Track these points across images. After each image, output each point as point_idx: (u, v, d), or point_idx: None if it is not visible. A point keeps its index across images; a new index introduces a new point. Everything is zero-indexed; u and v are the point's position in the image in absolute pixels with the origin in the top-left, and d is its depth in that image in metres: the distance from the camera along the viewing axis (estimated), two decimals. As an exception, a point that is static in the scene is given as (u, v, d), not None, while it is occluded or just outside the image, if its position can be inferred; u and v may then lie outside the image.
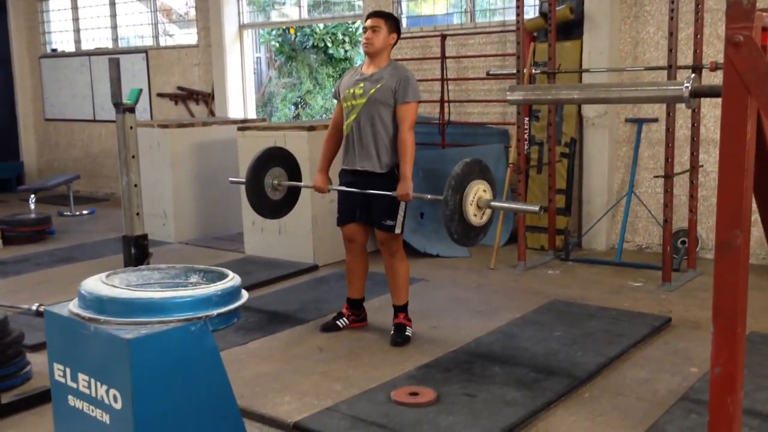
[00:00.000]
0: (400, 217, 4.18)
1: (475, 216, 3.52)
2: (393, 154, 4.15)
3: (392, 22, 4.24)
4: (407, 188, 4.04)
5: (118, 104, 4.11)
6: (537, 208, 3.60)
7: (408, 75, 4.15)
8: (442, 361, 3.93)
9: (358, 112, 4.16)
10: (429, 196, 4.04)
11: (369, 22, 4.21)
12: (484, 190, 3.56)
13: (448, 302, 5.01)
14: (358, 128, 4.17)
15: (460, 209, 3.47)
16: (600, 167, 6.32)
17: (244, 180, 4.40)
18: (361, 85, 4.17)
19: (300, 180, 4.57)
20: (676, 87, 1.95)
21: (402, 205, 4.16)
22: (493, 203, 3.58)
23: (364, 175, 4.19)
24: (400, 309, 4.31)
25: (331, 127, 4.43)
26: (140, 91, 4.33)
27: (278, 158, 4.47)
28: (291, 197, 4.56)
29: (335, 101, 4.42)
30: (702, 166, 5.66)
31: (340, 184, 4.37)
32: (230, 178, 4.89)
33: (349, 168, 4.26)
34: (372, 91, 4.12)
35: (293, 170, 4.52)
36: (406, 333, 4.25)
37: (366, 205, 4.25)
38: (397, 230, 4.19)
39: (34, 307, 4.67)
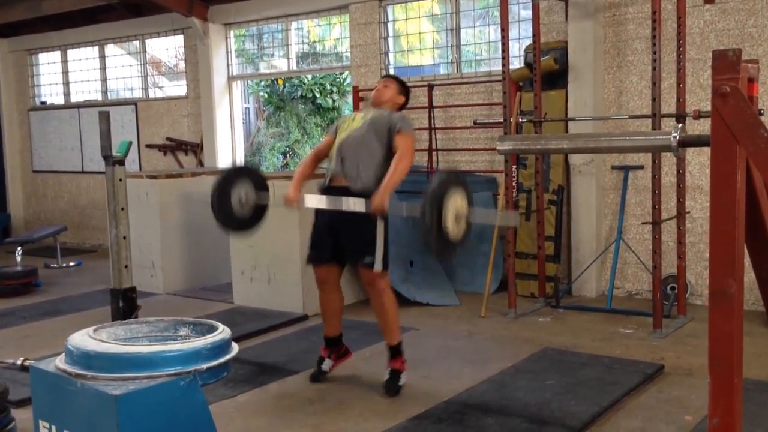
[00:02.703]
0: (379, 252, 4.05)
1: (452, 229, 3.47)
2: (373, 178, 4.09)
3: (404, 87, 4.49)
4: (384, 200, 3.86)
5: (107, 157, 4.12)
6: (515, 220, 3.56)
7: (404, 115, 4.33)
8: (434, 412, 3.87)
9: (350, 132, 4.24)
10: (405, 206, 3.94)
11: (382, 81, 4.50)
12: (462, 205, 3.53)
13: (439, 351, 4.96)
14: (346, 144, 4.22)
15: (438, 222, 3.41)
16: (588, 214, 6.35)
17: (209, 201, 4.18)
18: (361, 115, 4.34)
19: (267, 195, 4.38)
20: (665, 137, 1.97)
21: (380, 235, 4.05)
22: (470, 216, 3.54)
23: (341, 213, 4.08)
24: (396, 351, 4.24)
25: (313, 152, 4.46)
26: (130, 143, 4.34)
27: (245, 174, 4.31)
28: (259, 213, 4.34)
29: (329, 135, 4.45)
30: (689, 212, 5.71)
31: (316, 222, 4.34)
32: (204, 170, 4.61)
33: (327, 185, 4.24)
34: (369, 118, 4.26)
35: (261, 186, 4.34)
36: (399, 383, 4.19)
37: (340, 242, 4.21)
38: (377, 267, 4.05)
39: (19, 362, 4.60)
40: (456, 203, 3.45)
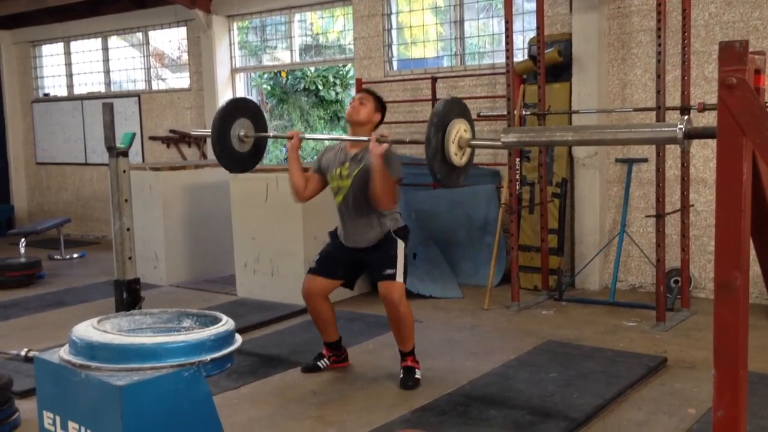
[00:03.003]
0: (400, 265, 4.15)
1: (456, 155, 3.46)
2: (384, 221, 4.19)
3: (380, 103, 4.34)
4: (381, 146, 3.91)
5: (111, 148, 4.12)
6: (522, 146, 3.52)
7: (390, 153, 4.06)
8: (437, 404, 3.88)
9: (345, 193, 4.21)
10: (408, 140, 3.97)
11: (358, 95, 4.34)
12: (465, 130, 3.52)
13: (443, 344, 4.96)
14: (348, 209, 4.22)
15: (442, 148, 3.40)
16: (591, 207, 6.34)
17: (209, 131, 4.25)
18: (346, 165, 4.22)
19: (266, 132, 4.43)
20: (670, 128, 1.96)
21: (401, 254, 4.15)
22: (473, 142, 3.53)
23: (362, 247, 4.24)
24: (408, 353, 4.26)
25: (301, 179, 4.33)
26: (133, 135, 4.34)
27: (244, 110, 4.33)
28: (257, 149, 4.40)
29: (313, 174, 4.36)
30: (693, 205, 5.69)
31: (332, 242, 4.37)
32: (193, 131, 4.67)
33: (344, 244, 4.30)
34: (355, 173, 4.15)
35: (259, 122, 4.37)
36: (416, 376, 4.20)
37: (354, 266, 4.30)
38: (399, 278, 4.13)
39: (22, 353, 4.64)
40: (459, 130, 3.43)
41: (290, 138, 4.29)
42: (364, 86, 7.51)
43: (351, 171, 4.16)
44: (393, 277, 4.12)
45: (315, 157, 4.41)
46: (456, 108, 3.45)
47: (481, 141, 3.54)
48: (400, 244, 4.20)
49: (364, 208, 4.17)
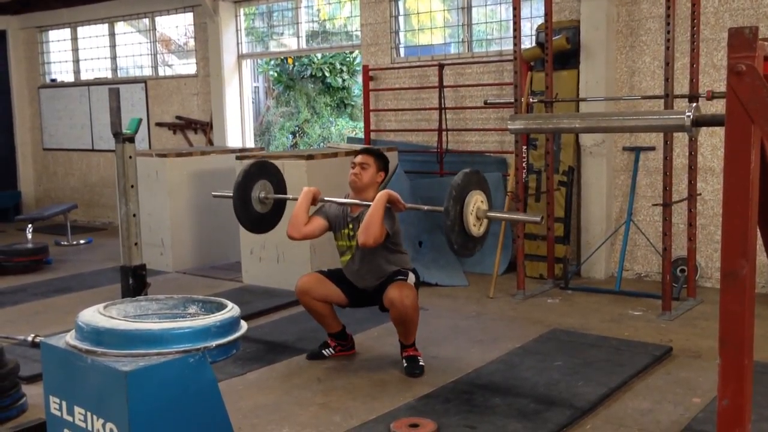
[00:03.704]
0: (411, 277, 4.19)
1: (474, 226, 3.50)
2: (392, 263, 4.22)
3: (381, 161, 4.31)
4: (390, 193, 4.01)
5: (117, 134, 4.12)
6: (539, 219, 3.60)
7: (393, 205, 4.06)
8: (442, 391, 3.88)
9: (353, 253, 4.25)
10: (426, 207, 4.03)
11: (359, 158, 4.28)
12: (482, 201, 3.55)
13: (448, 331, 4.97)
14: (356, 268, 4.25)
15: (460, 219, 3.44)
16: (598, 195, 6.32)
17: (230, 194, 4.36)
18: (351, 226, 4.24)
19: (285, 192, 4.53)
20: (678, 116, 1.94)
21: (411, 275, 4.19)
22: (490, 213, 3.56)
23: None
24: (409, 345, 4.27)
25: (306, 218, 4.29)
26: (140, 120, 4.34)
27: (264, 172, 4.44)
28: (277, 210, 4.52)
29: (317, 216, 4.32)
30: (700, 194, 5.67)
31: (343, 280, 4.36)
32: (213, 193, 4.80)
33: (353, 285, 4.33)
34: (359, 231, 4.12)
35: (279, 183, 4.49)
36: (420, 363, 4.21)
37: (362, 296, 4.32)
38: (410, 279, 4.16)
39: (29, 338, 4.66)
40: (477, 201, 3.49)
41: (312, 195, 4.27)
42: (370, 72, 7.49)
43: (355, 231, 4.17)
44: (405, 279, 4.13)
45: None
46: (474, 179, 3.50)
47: (497, 213, 3.64)
48: (411, 275, 4.23)
49: (373, 263, 4.21)
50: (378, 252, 4.15)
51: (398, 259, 4.26)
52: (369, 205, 4.04)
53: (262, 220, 4.47)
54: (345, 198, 4.29)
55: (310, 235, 4.32)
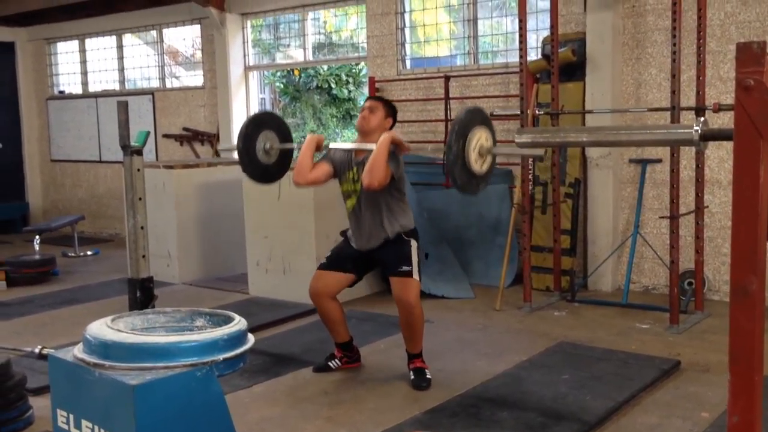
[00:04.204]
0: (415, 263, 4.15)
1: (476, 163, 3.46)
2: (397, 219, 4.19)
3: (390, 108, 4.33)
4: (394, 134, 4.00)
5: (126, 146, 4.13)
6: (541, 153, 3.55)
7: (395, 158, 4.08)
8: (449, 405, 3.87)
9: (358, 197, 4.22)
10: (430, 148, 4.01)
11: (368, 103, 4.32)
12: (486, 138, 3.52)
13: (454, 344, 4.95)
14: (361, 213, 4.23)
15: (462, 155, 3.41)
16: (605, 208, 6.31)
17: (234, 146, 4.34)
18: (355, 169, 4.23)
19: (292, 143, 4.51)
20: (686, 130, 1.94)
21: (414, 253, 4.16)
22: (494, 150, 3.53)
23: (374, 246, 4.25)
24: (416, 355, 4.27)
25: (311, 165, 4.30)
26: (148, 133, 4.36)
27: (269, 122, 4.41)
28: (283, 161, 4.47)
29: (322, 162, 4.33)
30: (707, 207, 5.65)
31: (343, 242, 4.36)
32: (219, 146, 4.80)
33: (357, 246, 4.30)
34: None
35: (284, 134, 4.46)
36: (428, 376, 4.20)
37: (365, 261, 4.29)
38: (415, 276, 4.14)
39: (36, 350, 4.66)
40: (480, 138, 3.43)
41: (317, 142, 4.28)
42: (376, 84, 7.52)
43: (359, 174, 4.16)
44: (410, 274, 4.12)
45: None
46: (478, 117, 3.47)
47: (501, 149, 3.54)
48: (413, 243, 4.21)
49: (377, 209, 4.17)
50: (382, 198, 4.13)
51: (401, 210, 4.20)
52: (368, 149, 4.05)
53: (267, 171, 4.44)
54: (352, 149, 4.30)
55: (316, 181, 4.31)
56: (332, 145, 4.32)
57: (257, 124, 4.34)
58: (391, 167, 4.01)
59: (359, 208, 4.23)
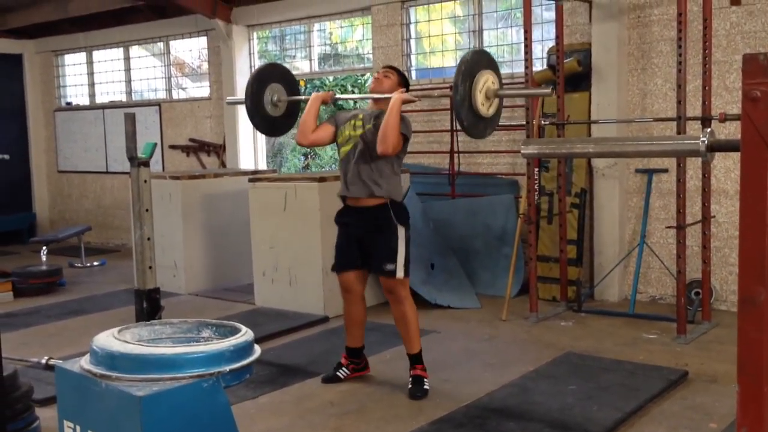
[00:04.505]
0: (400, 259, 4.10)
1: (483, 105, 3.43)
2: (386, 183, 4.13)
3: (403, 78, 4.36)
4: (403, 96, 3.98)
5: (133, 158, 4.14)
6: (548, 91, 3.58)
7: (403, 118, 4.10)
8: (455, 416, 3.86)
9: (355, 143, 4.18)
10: (437, 92, 4.03)
11: (383, 70, 4.36)
12: (493, 82, 3.50)
13: (460, 354, 4.94)
14: (352, 161, 4.17)
15: (469, 96, 3.38)
16: (611, 218, 6.30)
17: (242, 99, 4.38)
18: (360, 116, 4.22)
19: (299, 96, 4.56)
20: (693, 141, 1.93)
21: (401, 242, 4.11)
22: (500, 92, 3.51)
23: (361, 211, 4.18)
24: (416, 359, 4.25)
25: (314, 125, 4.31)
26: (155, 145, 4.37)
27: (276, 75, 4.45)
28: (290, 114, 4.52)
29: (326, 123, 4.35)
30: (714, 216, 5.64)
31: (339, 232, 4.35)
32: (227, 98, 4.87)
33: (343, 195, 4.26)
34: (369, 126, 4.15)
35: (292, 87, 4.49)
36: (425, 387, 4.19)
37: (364, 247, 4.23)
38: (399, 274, 4.10)
39: (43, 361, 4.67)
40: (487, 81, 3.42)
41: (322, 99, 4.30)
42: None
43: (365, 123, 4.16)
44: (393, 273, 4.10)
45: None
46: (485, 59, 3.43)
47: (508, 90, 3.54)
48: (401, 231, 4.13)
49: (367, 166, 4.13)
50: (378, 161, 4.09)
51: (391, 178, 4.15)
52: (386, 99, 4.06)
53: (275, 123, 4.49)
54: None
55: (318, 141, 4.32)
56: (340, 96, 4.38)
57: (261, 79, 4.38)
58: (402, 130, 4.03)
59: (353, 155, 4.17)
